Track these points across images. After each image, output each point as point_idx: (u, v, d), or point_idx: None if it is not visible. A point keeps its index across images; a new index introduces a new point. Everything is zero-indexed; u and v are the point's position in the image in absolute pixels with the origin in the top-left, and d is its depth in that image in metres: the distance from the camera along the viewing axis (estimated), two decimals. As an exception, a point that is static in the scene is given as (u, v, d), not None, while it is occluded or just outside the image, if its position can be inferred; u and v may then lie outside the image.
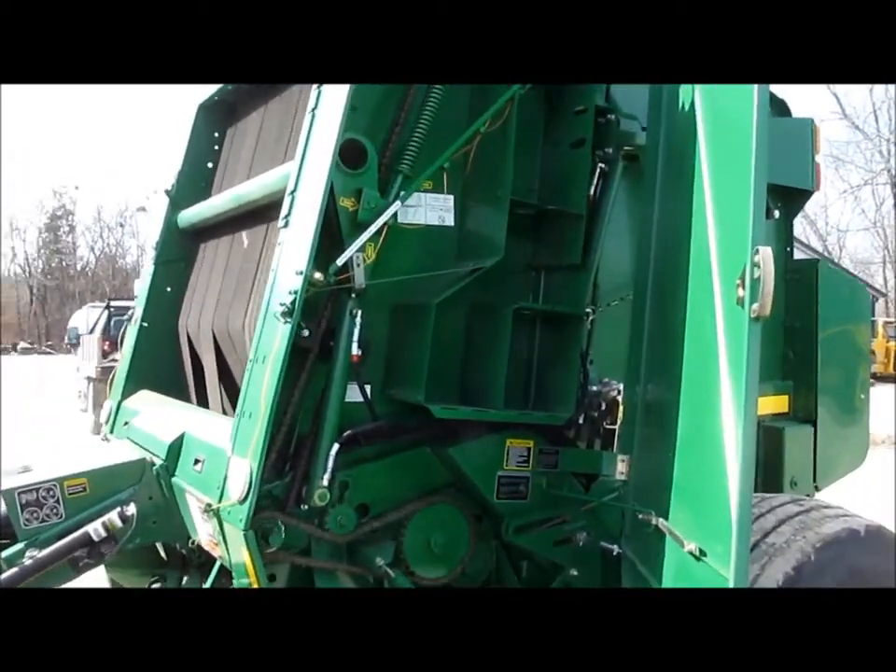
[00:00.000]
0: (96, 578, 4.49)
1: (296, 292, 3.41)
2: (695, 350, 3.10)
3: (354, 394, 3.77)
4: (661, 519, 3.15)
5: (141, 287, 5.57)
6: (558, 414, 4.01)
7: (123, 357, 5.57)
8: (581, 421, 4.18)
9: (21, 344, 60.08)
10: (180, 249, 5.52)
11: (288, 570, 3.78)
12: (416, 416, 3.86)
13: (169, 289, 5.49)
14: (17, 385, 24.34)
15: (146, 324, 5.43)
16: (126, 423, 5.04)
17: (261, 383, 3.50)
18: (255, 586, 3.37)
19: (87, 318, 21.16)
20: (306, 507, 3.65)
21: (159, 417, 4.72)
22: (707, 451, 2.82)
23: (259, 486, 3.35)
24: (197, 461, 3.93)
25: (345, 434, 3.67)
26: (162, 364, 5.41)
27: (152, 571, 4.87)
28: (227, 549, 3.56)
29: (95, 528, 4.02)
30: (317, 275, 3.43)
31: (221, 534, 3.55)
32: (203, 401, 5.01)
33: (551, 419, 4.01)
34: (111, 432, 5.31)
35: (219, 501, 3.53)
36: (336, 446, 3.62)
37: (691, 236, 3.22)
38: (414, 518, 3.88)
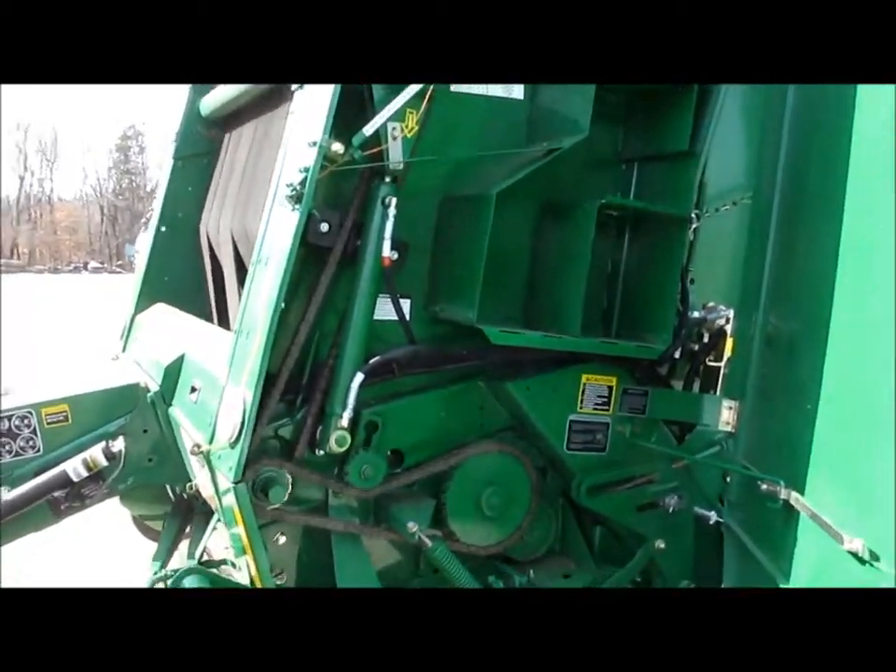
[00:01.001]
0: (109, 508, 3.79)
1: (307, 170, 2.55)
2: (854, 272, 2.16)
3: (386, 310, 2.94)
4: (797, 495, 2.26)
5: (159, 186, 4.80)
6: (649, 346, 3.11)
7: (138, 266, 4.83)
8: (677, 355, 3.28)
9: (92, 264, 60.84)
10: (203, 141, 4.65)
11: (299, 534, 3.02)
12: (467, 342, 3.02)
13: (190, 188, 4.66)
14: (84, 305, 24.25)
15: (163, 228, 4.65)
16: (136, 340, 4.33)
17: (262, 290, 2.69)
18: (249, 557, 2.61)
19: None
20: (322, 453, 2.86)
21: (165, 335, 3.97)
22: (876, 416, 1.93)
23: (254, 425, 2.56)
24: (193, 389, 3.16)
25: (373, 361, 2.85)
26: (182, 274, 4.61)
27: (163, 507, 4.18)
28: (220, 503, 2.80)
29: (74, 467, 3.30)
30: (336, 147, 2.55)
31: (214, 485, 2.79)
32: (223, 318, 4.23)
33: (640, 351, 3.12)
34: (123, 351, 4.59)
35: (210, 442, 2.76)
36: (360, 376, 2.80)
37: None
38: (461, 469, 3.07)
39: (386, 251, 2.78)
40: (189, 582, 2.74)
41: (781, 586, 2.31)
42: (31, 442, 3.45)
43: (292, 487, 2.94)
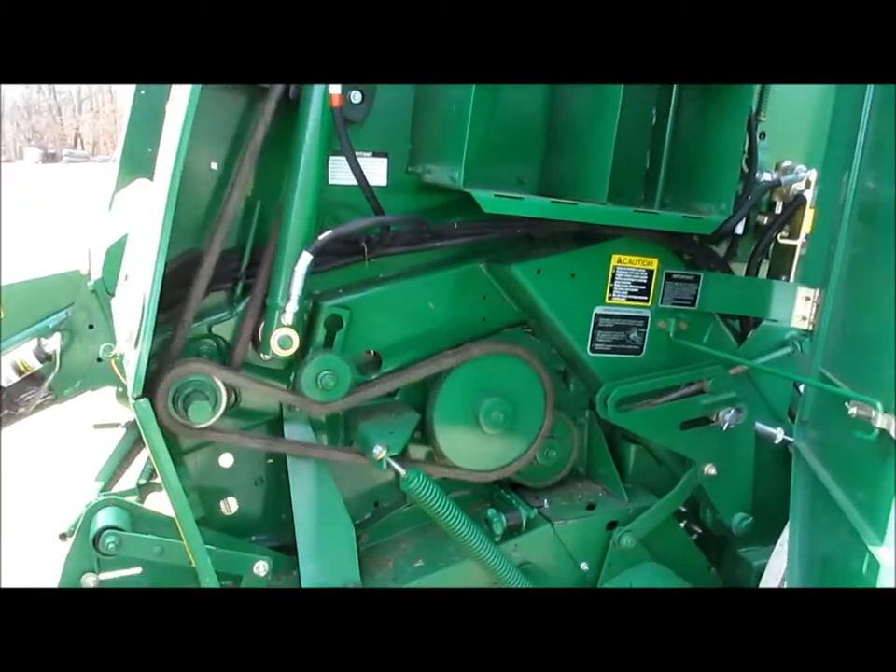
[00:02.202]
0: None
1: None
2: None
3: (343, 172, 2.24)
4: (900, 422, 1.56)
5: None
6: (702, 217, 2.35)
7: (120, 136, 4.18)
8: (739, 230, 2.53)
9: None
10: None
11: (254, 454, 2.44)
12: (462, 211, 2.32)
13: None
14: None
15: (143, 92, 3.96)
16: None
17: (169, 137, 2.02)
18: (168, 496, 2.02)
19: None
20: (267, 357, 2.23)
21: (122, 214, 3.34)
22: None
23: (154, 315, 1.93)
24: (126, 277, 2.54)
25: (324, 237, 2.17)
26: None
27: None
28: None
29: (2, 370, 2.74)
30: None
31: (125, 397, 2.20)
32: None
33: (689, 224, 2.36)
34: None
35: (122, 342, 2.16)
36: (307, 257, 2.13)
37: None
38: (455, 376, 2.41)
39: (336, 88, 2.06)
40: (103, 517, 2.18)
41: (866, 543, 1.64)
42: (-45, 340, 2.91)
43: (237, 400, 2.35)
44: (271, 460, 2.47)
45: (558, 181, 2.41)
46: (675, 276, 2.52)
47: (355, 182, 2.27)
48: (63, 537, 2.44)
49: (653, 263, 2.49)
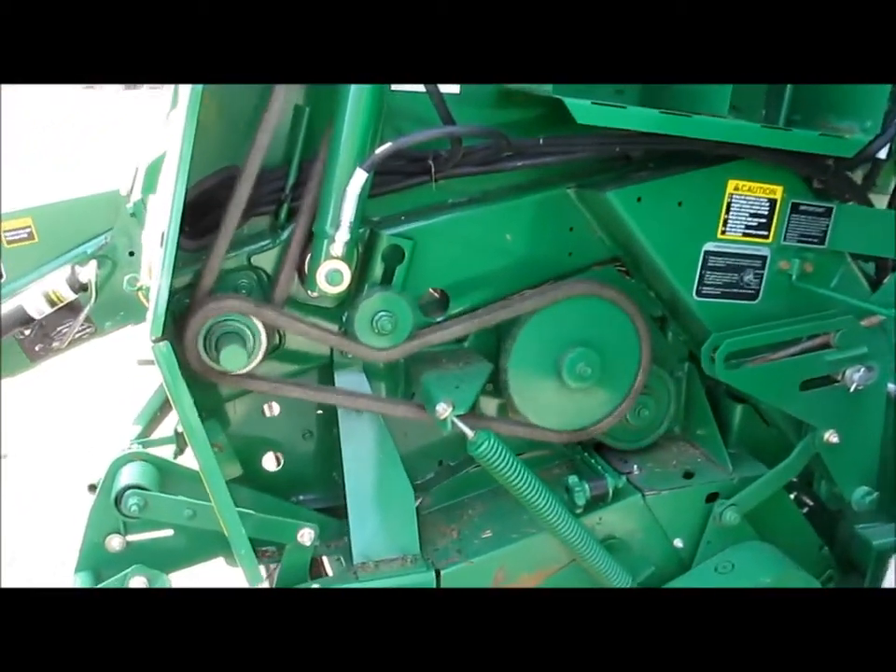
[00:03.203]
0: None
1: None
2: None
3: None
4: None
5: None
6: (840, 135, 1.92)
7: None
8: (882, 154, 2.08)
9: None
10: None
11: (281, 409, 2.14)
12: (549, 127, 1.95)
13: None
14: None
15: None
16: None
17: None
18: (194, 454, 1.72)
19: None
20: (315, 294, 1.91)
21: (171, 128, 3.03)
22: None
23: (175, 242, 1.63)
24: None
25: (382, 150, 1.80)
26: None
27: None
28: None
29: (34, 301, 2.47)
30: None
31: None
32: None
33: (824, 144, 1.94)
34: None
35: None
36: (361, 175, 1.77)
37: None
38: (535, 321, 2.05)
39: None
40: (127, 474, 1.91)
41: None
42: (-9, 264, 2.66)
43: (281, 341, 2.03)
44: (321, 411, 2.17)
45: (665, 91, 2.00)
46: (802, 208, 2.10)
47: (421, 87, 1.91)
48: (91, 488, 2.19)
49: (777, 191, 2.07)
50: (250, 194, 1.87)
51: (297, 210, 1.91)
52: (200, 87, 1.64)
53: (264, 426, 2.14)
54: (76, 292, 2.45)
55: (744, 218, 2.07)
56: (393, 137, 1.84)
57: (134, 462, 1.96)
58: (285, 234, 1.92)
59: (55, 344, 2.60)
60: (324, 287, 1.83)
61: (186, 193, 1.64)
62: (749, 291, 2.13)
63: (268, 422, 2.14)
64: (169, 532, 2.00)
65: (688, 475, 2.24)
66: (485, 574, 2.05)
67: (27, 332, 2.56)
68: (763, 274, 2.13)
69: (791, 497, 2.45)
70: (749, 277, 2.12)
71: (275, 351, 2.02)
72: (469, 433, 1.88)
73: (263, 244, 1.94)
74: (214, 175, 1.93)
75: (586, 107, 1.73)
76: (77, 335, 2.59)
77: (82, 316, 2.52)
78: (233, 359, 1.76)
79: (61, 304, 2.47)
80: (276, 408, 2.13)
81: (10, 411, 4.11)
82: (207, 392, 1.95)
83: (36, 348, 2.60)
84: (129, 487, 1.85)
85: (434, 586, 1.99)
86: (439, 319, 2.06)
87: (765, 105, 2.13)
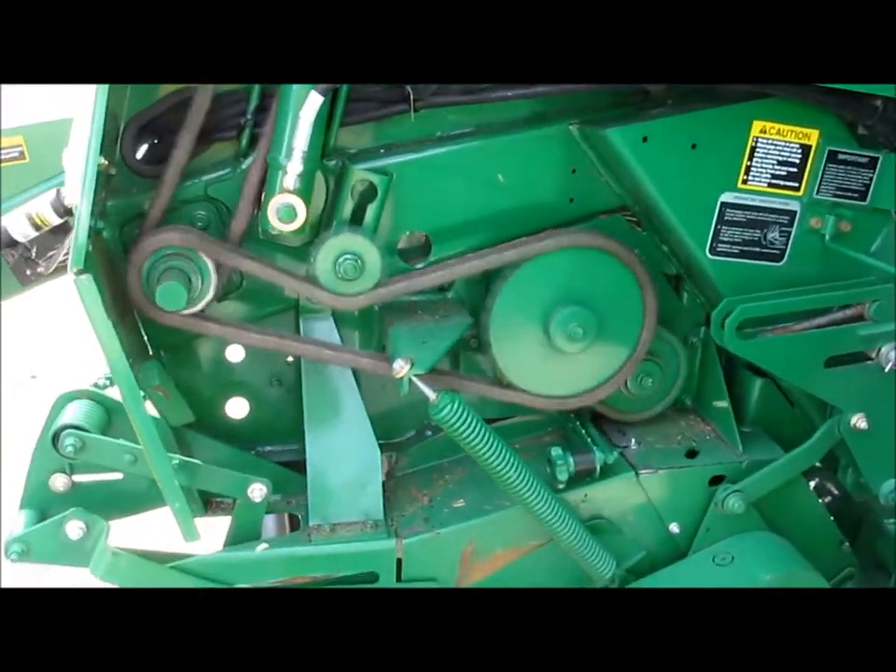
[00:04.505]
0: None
1: None
2: None
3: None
4: None
5: None
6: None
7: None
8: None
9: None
10: None
11: (245, 354, 1.98)
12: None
13: None
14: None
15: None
16: None
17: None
18: (120, 391, 1.58)
19: None
20: (273, 232, 1.73)
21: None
22: None
23: (96, 161, 1.49)
24: None
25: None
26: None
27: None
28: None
29: (18, 223, 2.37)
30: None
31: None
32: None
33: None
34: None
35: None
36: (316, 98, 1.57)
37: None
38: (524, 271, 1.84)
39: None
40: (70, 412, 1.80)
41: None
42: (-17, 183, 2.58)
43: (242, 281, 1.87)
44: (290, 358, 2.01)
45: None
46: (841, 156, 1.82)
47: None
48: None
49: (812, 136, 1.80)
50: (210, 117, 1.70)
51: (259, 137, 1.73)
52: None
53: (227, 370, 1.99)
54: (61, 216, 2.33)
55: (770, 166, 1.80)
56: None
57: (81, 400, 1.85)
58: (245, 163, 1.75)
59: (40, 270, 2.51)
60: (275, 223, 1.66)
61: (108, 101, 1.49)
62: (773, 251, 1.87)
63: (231, 366, 1.99)
64: (118, 476, 1.89)
65: (691, 454, 2.01)
66: (452, 547, 1.87)
67: (14, 255, 2.48)
68: (790, 232, 1.86)
69: (812, 484, 2.20)
70: (773, 235, 1.86)
71: (236, 291, 1.86)
72: (431, 395, 1.69)
73: (222, 173, 1.77)
74: (175, 93, 1.76)
75: None
76: (61, 261, 2.49)
77: (68, 241, 2.41)
78: (170, 298, 1.61)
79: (46, 228, 2.36)
80: (240, 352, 1.98)
81: (38, 331, 4.10)
82: (157, 330, 1.80)
83: (27, 272, 2.51)
84: (66, 427, 1.74)
85: (394, 556, 1.83)
86: (418, 266, 1.87)
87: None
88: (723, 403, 2.06)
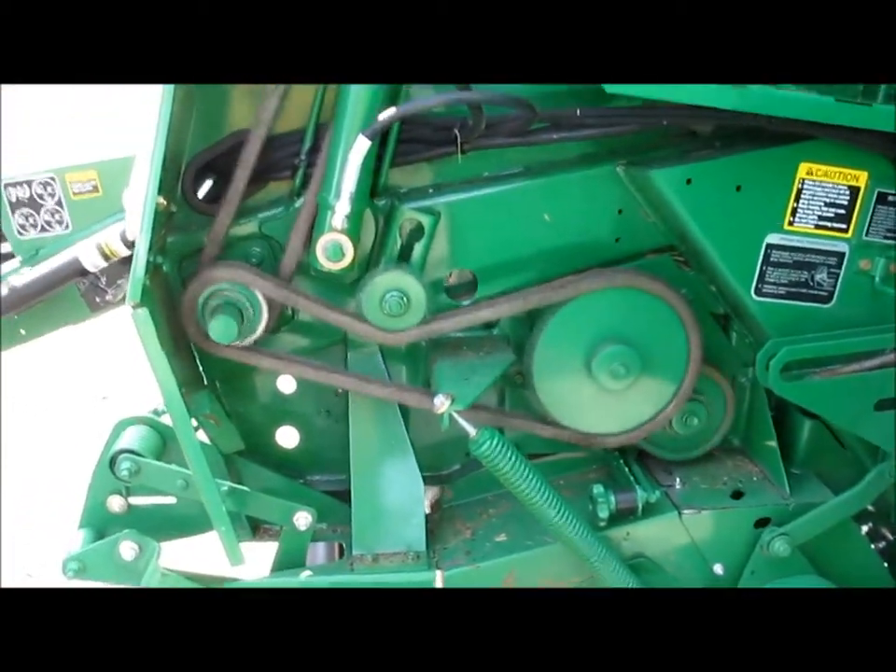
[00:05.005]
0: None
1: None
2: None
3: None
4: None
5: None
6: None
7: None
8: None
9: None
10: None
11: (297, 385, 2.04)
12: (596, 94, 1.73)
13: None
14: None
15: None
16: None
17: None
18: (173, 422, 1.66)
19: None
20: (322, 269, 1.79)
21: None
22: None
23: (154, 200, 1.58)
24: None
25: (388, 115, 1.65)
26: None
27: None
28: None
29: (88, 253, 2.49)
30: None
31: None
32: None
33: (919, 126, 1.64)
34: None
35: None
36: (363, 141, 1.62)
37: None
38: (569, 309, 1.86)
39: None
40: (128, 437, 1.88)
41: None
42: (57, 216, 2.70)
43: (294, 314, 1.93)
44: (341, 389, 2.06)
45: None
46: (892, 198, 1.80)
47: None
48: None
49: (861, 178, 1.79)
50: (267, 157, 1.78)
51: (312, 177, 1.80)
52: None
53: (278, 400, 2.05)
54: (129, 248, 2.45)
55: (818, 208, 1.80)
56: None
57: (139, 426, 1.93)
58: (297, 203, 1.81)
59: (108, 297, 2.63)
60: (323, 261, 1.72)
61: (167, 142, 1.56)
62: (821, 293, 1.86)
63: (282, 396, 2.05)
64: (171, 499, 1.96)
65: (737, 494, 2.00)
66: (492, 581, 1.89)
67: (85, 284, 2.60)
68: (838, 274, 1.85)
69: (864, 529, 2.16)
70: (821, 276, 1.84)
71: (288, 324, 1.93)
72: (471, 430, 1.72)
73: (276, 211, 1.84)
74: (234, 135, 1.84)
75: None
76: (130, 290, 2.60)
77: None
78: (223, 332, 1.68)
79: (115, 259, 2.48)
80: (292, 382, 2.04)
81: (110, 353, 4.23)
82: (211, 361, 1.88)
83: (97, 299, 2.63)
84: (123, 451, 1.82)
85: (434, 587, 1.86)
86: (465, 303, 1.91)
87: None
88: (771, 444, 2.04)
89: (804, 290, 1.86)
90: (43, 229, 2.66)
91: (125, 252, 2.44)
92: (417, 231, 1.82)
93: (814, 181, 1.77)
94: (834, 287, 1.86)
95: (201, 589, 1.80)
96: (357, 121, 1.66)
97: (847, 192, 1.79)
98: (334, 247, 1.70)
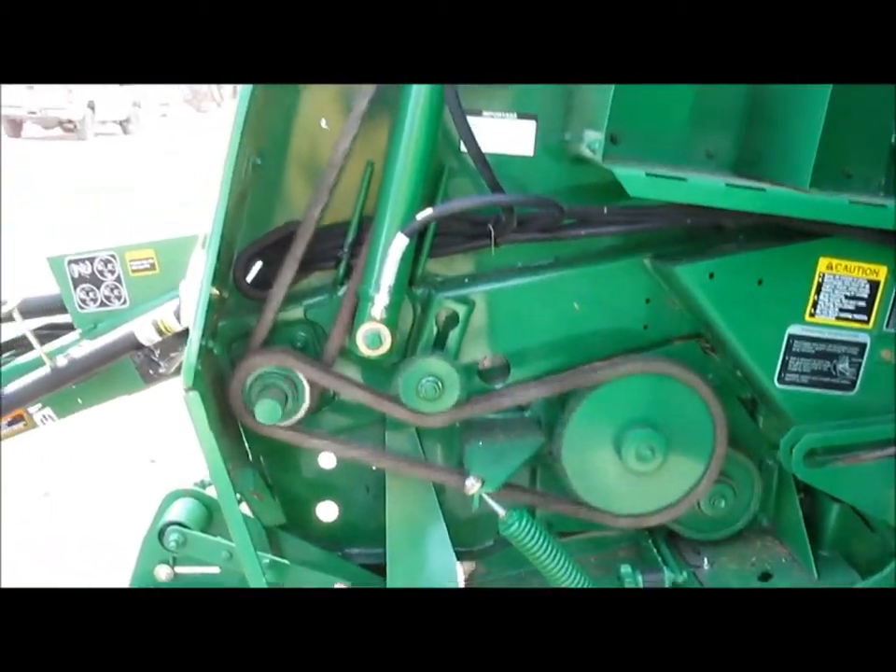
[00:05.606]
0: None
1: None
2: None
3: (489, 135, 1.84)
4: None
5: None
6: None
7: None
8: None
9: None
10: None
11: (337, 462, 2.13)
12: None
13: None
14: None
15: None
16: None
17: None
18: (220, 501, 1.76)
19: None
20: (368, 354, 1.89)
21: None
22: None
23: (208, 293, 1.70)
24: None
25: (425, 215, 1.77)
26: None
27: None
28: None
29: (144, 328, 2.64)
30: None
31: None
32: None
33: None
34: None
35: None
36: (402, 239, 1.74)
37: None
38: (598, 394, 1.94)
39: (445, 31, 1.63)
40: (176, 509, 1.99)
41: None
42: (116, 292, 2.86)
43: (334, 394, 2.04)
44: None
45: (757, 158, 1.84)
46: (911, 293, 1.87)
47: (500, 150, 1.88)
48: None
49: (881, 272, 1.86)
50: (313, 248, 1.90)
51: (354, 268, 1.92)
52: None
53: (319, 475, 2.15)
54: (181, 324, 2.59)
55: (838, 300, 1.86)
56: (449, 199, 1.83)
57: (186, 498, 2.04)
58: (340, 291, 1.93)
59: (161, 371, 2.76)
60: (363, 349, 1.82)
61: (223, 237, 1.69)
62: (844, 382, 1.91)
63: (323, 472, 2.15)
64: (215, 570, 2.06)
65: (765, 576, 2.04)
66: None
67: (140, 357, 2.74)
68: (860, 363, 1.90)
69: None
70: (843, 366, 1.90)
71: (329, 404, 2.03)
72: (501, 511, 1.80)
73: (321, 299, 1.96)
74: (283, 227, 1.97)
75: (640, 178, 1.62)
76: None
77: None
78: (268, 413, 1.79)
79: (168, 334, 2.62)
80: (333, 459, 2.14)
81: (53, 448, 4.31)
82: (256, 438, 1.98)
83: (150, 372, 2.76)
84: (171, 523, 1.93)
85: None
86: (498, 386, 2.00)
87: (887, 173, 1.91)
88: (799, 526, 2.08)
89: (826, 379, 1.91)
90: (102, 303, 2.82)
91: (178, 328, 2.58)
92: (452, 319, 1.93)
93: (834, 275, 1.85)
94: (857, 375, 1.91)
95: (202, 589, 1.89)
96: (396, 220, 1.77)
97: (867, 286, 1.86)
98: (374, 336, 1.80)
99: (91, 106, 20.77)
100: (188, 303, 1.89)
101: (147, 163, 14.70)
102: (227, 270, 1.96)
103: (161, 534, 1.92)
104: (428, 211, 1.75)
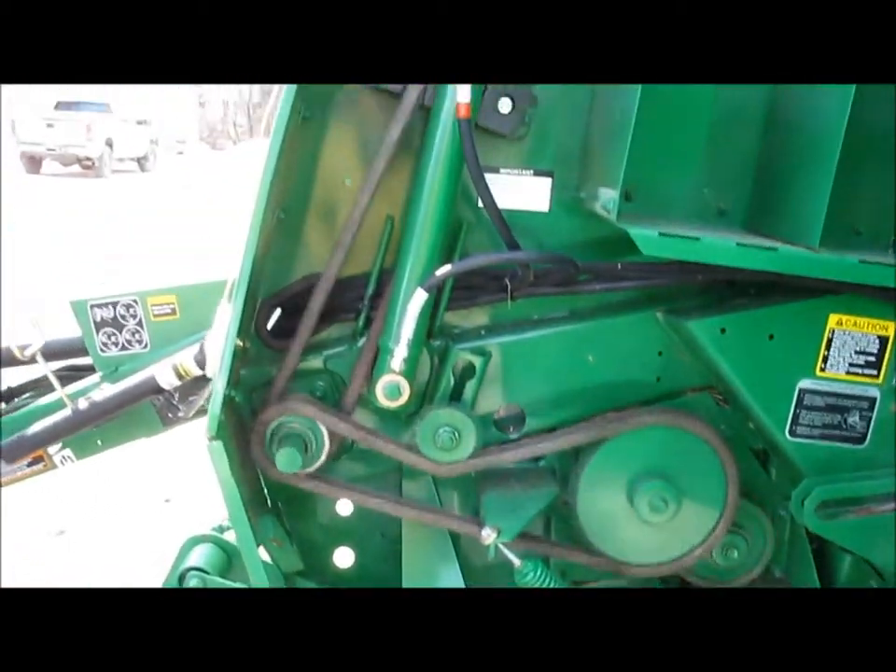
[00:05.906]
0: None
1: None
2: None
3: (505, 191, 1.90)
4: None
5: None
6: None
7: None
8: None
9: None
10: None
11: (354, 508, 2.16)
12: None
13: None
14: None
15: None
16: None
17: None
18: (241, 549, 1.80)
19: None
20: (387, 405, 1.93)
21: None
22: None
23: (233, 345, 1.76)
24: None
25: (444, 270, 1.82)
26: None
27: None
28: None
29: (164, 373, 2.69)
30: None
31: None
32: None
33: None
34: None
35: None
36: (421, 294, 1.79)
37: None
38: (611, 445, 1.97)
39: (464, 95, 1.70)
40: (196, 555, 2.03)
41: None
42: (137, 336, 2.92)
43: (353, 442, 2.08)
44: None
45: (768, 215, 1.89)
46: (919, 348, 1.90)
47: (516, 206, 1.94)
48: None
49: (890, 328, 1.89)
50: (334, 300, 1.95)
51: (373, 320, 1.97)
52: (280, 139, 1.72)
53: (336, 522, 2.18)
54: (202, 368, 2.64)
55: (848, 355, 1.90)
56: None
57: (205, 544, 2.07)
58: (360, 342, 1.98)
59: (180, 414, 2.81)
60: (382, 400, 1.87)
61: (247, 293, 1.74)
62: (855, 435, 1.94)
63: (340, 518, 2.18)
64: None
65: (777, 628, 2.05)
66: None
67: (160, 400, 2.79)
68: (870, 417, 1.93)
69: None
70: (853, 419, 1.93)
71: (348, 452, 2.07)
72: (516, 561, 1.83)
73: (341, 349, 2.01)
74: (304, 279, 2.02)
75: (653, 238, 1.67)
76: (202, 406, 2.78)
77: (207, 391, 2.70)
78: (288, 462, 1.83)
79: (188, 378, 2.67)
80: (350, 505, 2.17)
81: (67, 486, 4.33)
82: (276, 485, 2.02)
83: (169, 415, 2.81)
84: (191, 569, 1.96)
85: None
86: (513, 437, 2.04)
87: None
88: (812, 577, 2.09)
89: (837, 432, 1.94)
90: (123, 347, 2.87)
91: (198, 372, 2.63)
92: (469, 370, 1.97)
93: (844, 331, 1.88)
94: (867, 429, 1.94)
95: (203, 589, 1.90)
96: (416, 274, 1.83)
97: (877, 341, 1.89)
98: (393, 388, 1.85)
99: (110, 144, 21.13)
100: (213, 353, 1.93)
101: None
102: (250, 320, 2.01)
103: (182, 579, 1.96)
104: (447, 267, 1.80)
